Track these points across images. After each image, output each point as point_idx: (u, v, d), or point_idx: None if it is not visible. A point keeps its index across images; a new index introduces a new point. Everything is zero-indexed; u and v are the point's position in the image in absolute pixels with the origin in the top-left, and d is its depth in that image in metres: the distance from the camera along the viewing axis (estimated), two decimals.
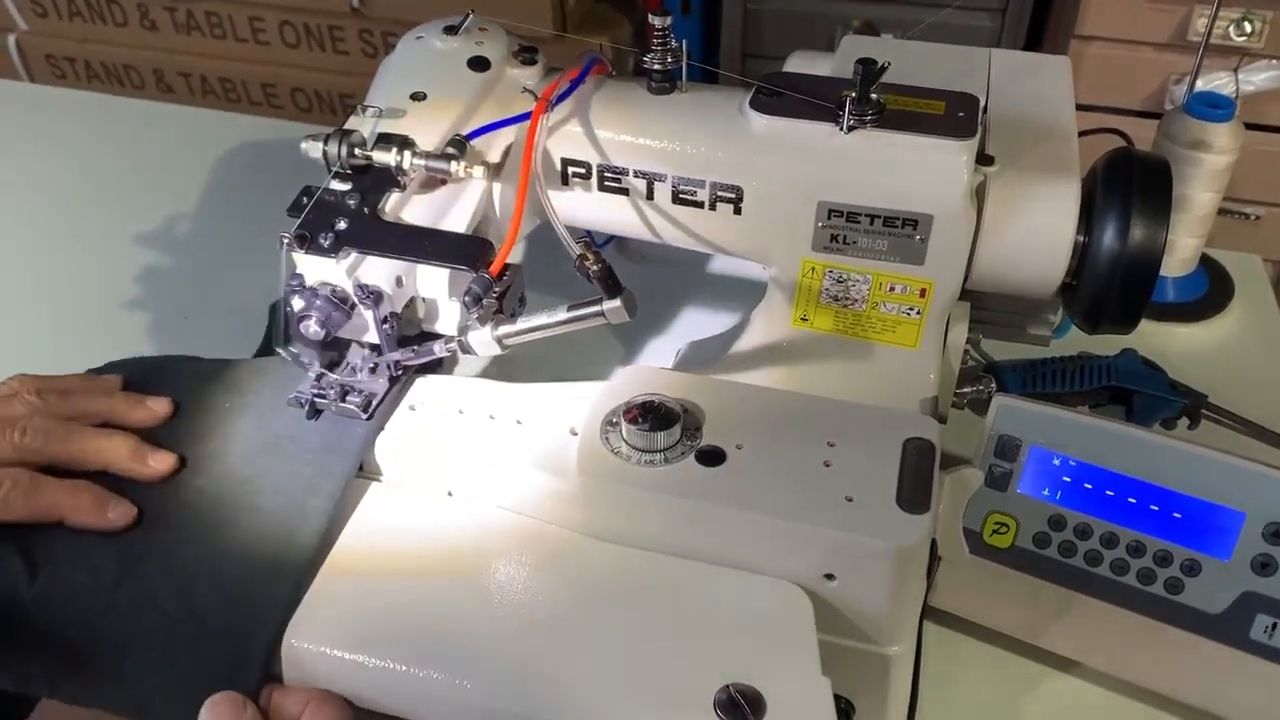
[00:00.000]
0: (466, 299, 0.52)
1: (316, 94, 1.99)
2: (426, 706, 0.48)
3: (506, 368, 0.75)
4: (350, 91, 1.96)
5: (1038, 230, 0.60)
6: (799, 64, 0.73)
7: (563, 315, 0.52)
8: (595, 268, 0.49)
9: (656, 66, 0.63)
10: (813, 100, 0.61)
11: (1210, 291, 0.91)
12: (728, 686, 0.46)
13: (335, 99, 1.98)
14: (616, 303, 0.50)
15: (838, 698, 0.50)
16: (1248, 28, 1.47)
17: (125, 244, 0.96)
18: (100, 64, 2.13)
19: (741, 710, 0.46)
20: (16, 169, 1.09)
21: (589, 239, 0.51)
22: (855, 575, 0.50)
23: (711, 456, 0.53)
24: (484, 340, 0.54)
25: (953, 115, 0.61)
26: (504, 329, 0.53)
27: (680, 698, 0.46)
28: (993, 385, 0.76)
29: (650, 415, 0.54)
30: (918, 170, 0.59)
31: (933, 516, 0.50)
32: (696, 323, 0.86)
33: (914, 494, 0.51)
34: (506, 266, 0.54)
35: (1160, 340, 0.86)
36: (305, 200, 0.56)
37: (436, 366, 0.61)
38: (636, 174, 0.63)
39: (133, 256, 0.94)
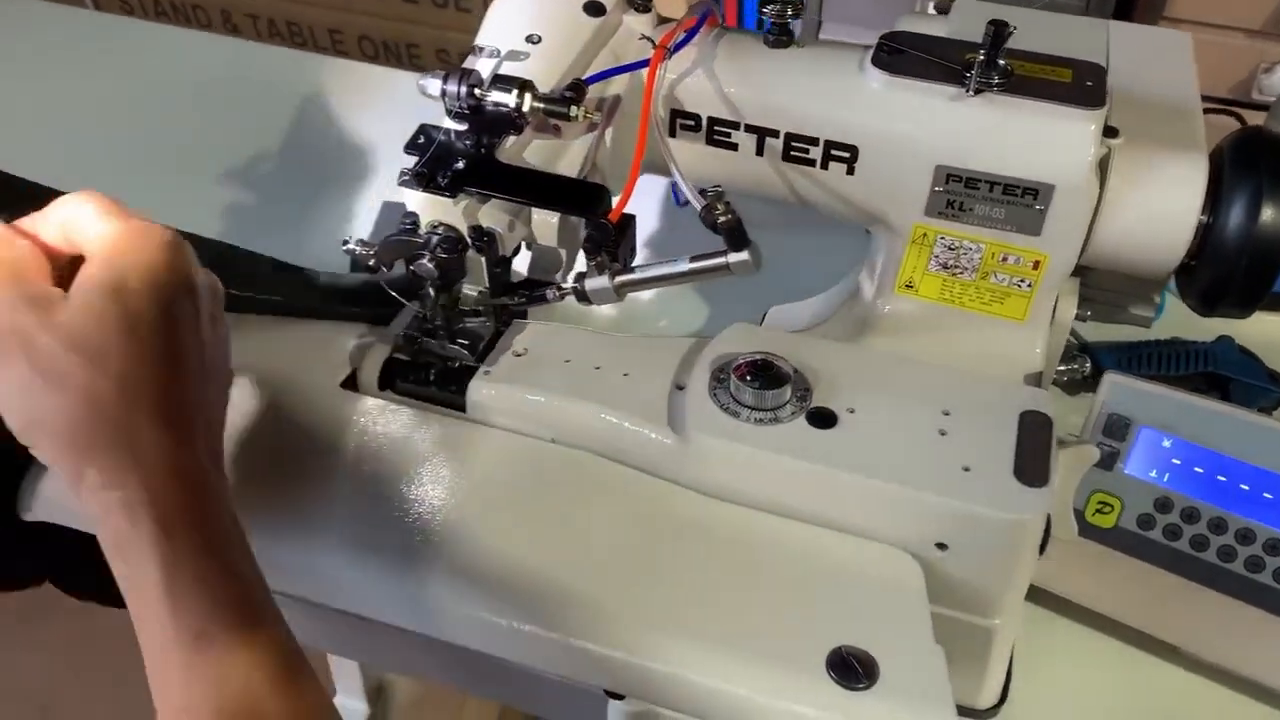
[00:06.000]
0: (587, 245, 0.52)
1: (384, 43, 1.98)
2: (538, 659, 0.48)
3: (580, 321, 0.74)
4: (417, 41, 1.95)
5: (1161, 207, 0.59)
6: (911, 25, 0.71)
7: (685, 266, 0.51)
8: (725, 219, 0.48)
9: (775, 19, 0.61)
10: (937, 61, 0.59)
11: None
12: (840, 648, 0.46)
13: (402, 49, 1.97)
14: (744, 255, 0.49)
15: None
16: None
17: (199, 179, 0.96)
18: (168, 1, 2.12)
19: (855, 672, 0.45)
20: (80, 97, 1.09)
21: (720, 189, 0.50)
22: (969, 546, 0.49)
23: (823, 418, 0.52)
24: (602, 289, 0.53)
25: (1080, 84, 0.59)
26: (623, 278, 0.53)
27: (791, 656, 0.46)
28: (1088, 365, 0.75)
29: (762, 373, 0.53)
30: (1043, 138, 0.57)
31: (1052, 491, 0.49)
32: (780, 285, 0.84)
33: (1033, 467, 0.50)
34: (623, 215, 0.54)
35: (1255, 328, 0.83)
36: (422, 139, 0.55)
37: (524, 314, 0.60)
38: (748, 129, 0.62)
39: (200, 190, 0.94)
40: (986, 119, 0.58)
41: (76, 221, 0.44)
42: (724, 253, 0.50)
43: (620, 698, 0.50)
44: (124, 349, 0.41)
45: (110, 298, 0.41)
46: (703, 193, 0.52)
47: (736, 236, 0.49)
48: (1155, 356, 0.75)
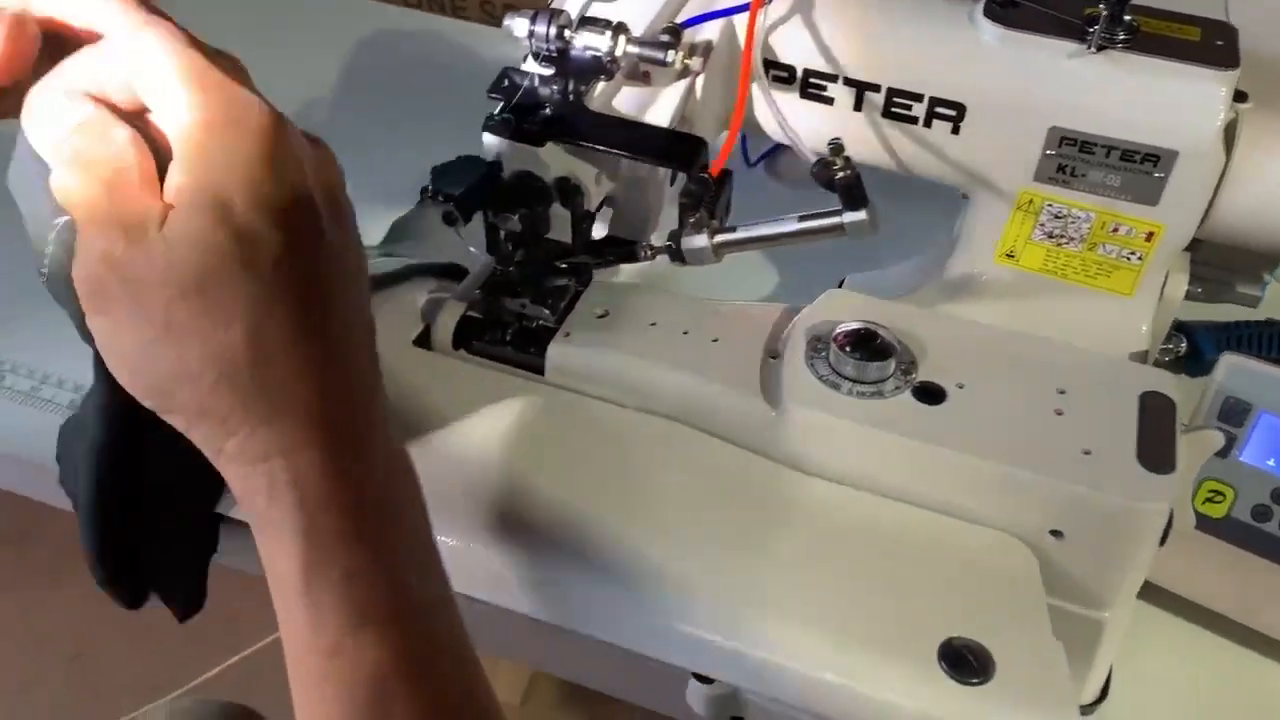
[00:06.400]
0: (685, 201, 0.48)
1: None
2: (624, 637, 0.46)
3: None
4: None
5: None
6: None
7: (793, 226, 0.47)
8: (843, 174, 0.45)
9: None
10: (1055, 14, 0.55)
11: None
12: (952, 639, 0.43)
13: None
14: (861, 215, 0.45)
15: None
16: None
17: None
18: None
19: (969, 666, 0.42)
20: None
21: (841, 142, 0.46)
22: (1087, 535, 0.46)
23: (930, 394, 0.49)
24: (699, 248, 0.49)
25: (1209, 43, 0.55)
26: (723, 237, 0.49)
27: (900, 646, 0.43)
28: (1183, 344, 0.71)
29: (864, 344, 0.50)
30: (1169, 100, 0.54)
31: (1179, 478, 0.46)
32: (854, 253, 0.81)
33: (1158, 452, 0.47)
34: (722, 170, 0.50)
35: None
36: (506, 83, 0.52)
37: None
38: (846, 82, 0.58)
39: None
40: (1108, 78, 0.54)
41: (152, 82, 0.33)
42: (838, 212, 0.46)
43: (709, 681, 0.47)
44: (245, 290, 0.33)
45: (214, 219, 0.32)
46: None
47: (854, 194, 0.45)
48: (1256, 338, 0.71)
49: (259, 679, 1.15)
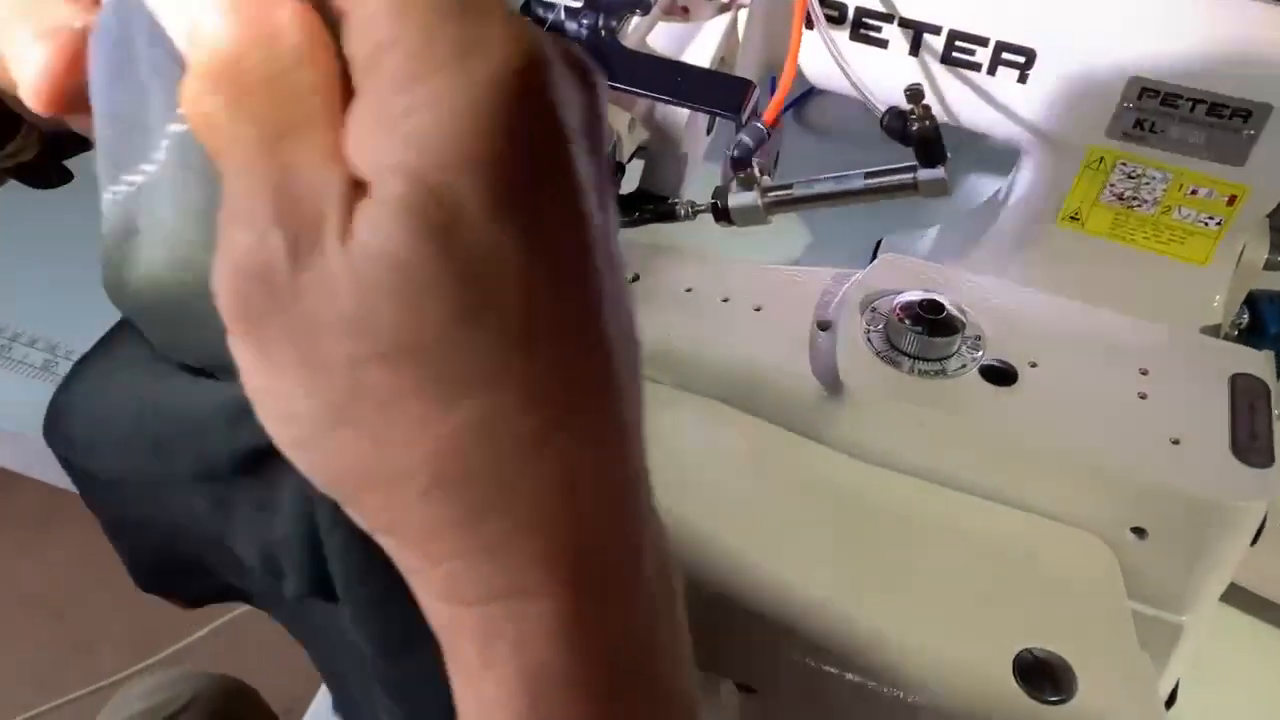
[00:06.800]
0: (734, 153, 0.43)
1: None
2: None
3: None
4: None
5: None
6: None
7: (859, 183, 0.42)
8: (921, 125, 0.39)
9: None
10: None
11: None
12: (1029, 650, 0.39)
13: None
14: (938, 172, 0.40)
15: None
16: None
17: None
18: None
19: (1048, 682, 0.38)
20: None
21: (919, 88, 0.41)
22: (1174, 533, 0.42)
23: (1000, 374, 0.44)
24: (748, 207, 0.44)
25: None
26: (776, 195, 0.44)
27: (970, 657, 0.39)
28: (1245, 316, 0.67)
29: (928, 317, 0.45)
30: (1265, 49, 0.48)
31: (1277, 472, 0.41)
32: (887, 216, 0.76)
33: (1254, 442, 0.42)
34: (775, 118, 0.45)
35: None
36: (530, 17, 0.46)
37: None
38: (903, 23, 0.53)
39: None
40: (1199, 23, 0.49)
41: None
42: (911, 168, 0.41)
43: (752, 691, 0.43)
44: (480, 350, 0.20)
45: (433, 233, 0.19)
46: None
47: (932, 149, 0.40)
48: None
49: (242, 644, 1.11)
